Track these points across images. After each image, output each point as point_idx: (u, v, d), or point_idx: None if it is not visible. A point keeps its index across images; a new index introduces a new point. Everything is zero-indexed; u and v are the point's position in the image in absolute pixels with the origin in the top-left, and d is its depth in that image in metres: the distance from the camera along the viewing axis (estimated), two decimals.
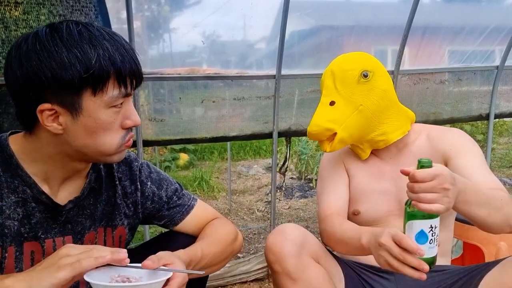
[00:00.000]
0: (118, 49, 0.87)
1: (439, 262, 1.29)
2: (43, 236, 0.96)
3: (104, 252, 0.82)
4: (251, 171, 5.20)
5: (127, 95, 0.90)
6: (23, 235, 0.94)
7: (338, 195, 1.39)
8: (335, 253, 1.34)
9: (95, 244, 1.06)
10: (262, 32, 2.25)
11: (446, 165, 1.24)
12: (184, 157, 5.35)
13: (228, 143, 3.90)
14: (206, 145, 5.86)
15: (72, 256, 0.80)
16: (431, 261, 0.96)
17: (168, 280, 0.87)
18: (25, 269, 0.93)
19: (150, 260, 0.88)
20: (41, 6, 1.70)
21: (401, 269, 0.96)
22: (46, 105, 0.86)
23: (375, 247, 1.04)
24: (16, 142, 0.94)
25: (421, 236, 0.95)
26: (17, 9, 1.69)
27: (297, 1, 2.10)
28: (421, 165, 0.95)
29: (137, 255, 1.17)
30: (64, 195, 0.99)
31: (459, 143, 1.27)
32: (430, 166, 0.94)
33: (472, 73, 2.58)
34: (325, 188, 1.42)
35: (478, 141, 4.65)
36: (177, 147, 5.29)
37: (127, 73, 0.88)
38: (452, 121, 2.70)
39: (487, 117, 2.71)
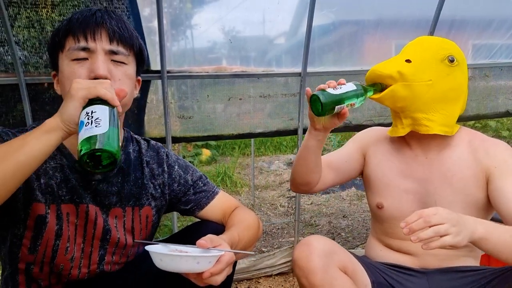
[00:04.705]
0: (83, 14, 1.05)
1: (470, 263, 1.31)
2: (77, 200, 1.08)
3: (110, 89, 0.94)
4: (272, 167, 5.23)
5: (86, 49, 1.03)
6: (61, 197, 1.06)
7: (338, 157, 1.46)
8: (363, 259, 1.34)
9: (124, 222, 1.17)
10: (282, 27, 2.25)
11: (487, 181, 1.24)
12: (206, 153, 5.42)
13: (252, 139, 3.94)
14: (228, 141, 5.91)
15: (83, 87, 0.91)
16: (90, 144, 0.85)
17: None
18: (64, 228, 1.07)
19: (204, 240, 0.96)
20: (76, 8, 1.76)
21: None
22: (54, 72, 1.10)
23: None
24: None
25: (81, 126, 0.88)
26: (53, 11, 1.75)
27: None
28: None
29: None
30: None
31: (504, 161, 1.24)
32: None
33: (499, 69, 2.55)
34: (336, 151, 1.51)
35: (503, 138, 4.58)
36: (199, 142, 5.37)
37: (81, 30, 1.03)
38: (478, 118, 2.67)
39: None
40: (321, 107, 1.12)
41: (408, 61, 1.25)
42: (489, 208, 1.28)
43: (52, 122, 0.89)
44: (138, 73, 1.17)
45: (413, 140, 1.36)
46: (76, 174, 1.08)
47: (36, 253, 1.06)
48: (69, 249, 1.08)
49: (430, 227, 0.97)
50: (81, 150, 0.84)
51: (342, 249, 1.24)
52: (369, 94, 1.24)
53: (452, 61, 1.28)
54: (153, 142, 1.27)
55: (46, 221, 1.04)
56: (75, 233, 1.09)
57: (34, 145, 0.86)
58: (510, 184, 1.19)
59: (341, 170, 1.45)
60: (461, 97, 1.33)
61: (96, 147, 0.83)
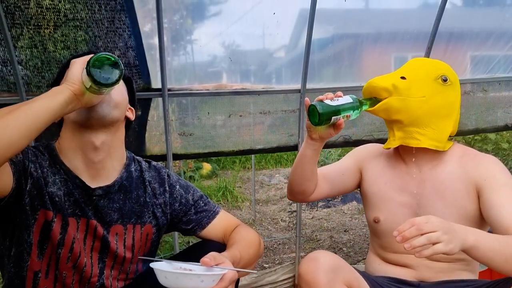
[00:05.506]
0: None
1: (467, 276, 1.33)
2: (79, 214, 1.12)
3: None
4: (273, 181, 5.23)
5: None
6: (64, 209, 1.10)
7: (335, 170, 1.49)
8: (365, 274, 1.35)
9: (124, 239, 1.19)
10: (282, 41, 2.27)
11: (478, 194, 1.27)
12: (207, 167, 5.43)
13: (253, 155, 3.95)
14: None
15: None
16: None
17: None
18: (66, 239, 1.11)
19: (208, 258, 0.99)
20: (78, 29, 1.78)
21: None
22: None
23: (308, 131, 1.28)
24: (58, 140, 1.17)
25: (83, 72, 1.01)
26: (56, 31, 1.78)
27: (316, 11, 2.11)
28: None
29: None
30: (96, 184, 1.15)
31: (493, 175, 1.27)
32: None
33: (497, 84, 2.57)
34: (333, 164, 1.55)
35: (503, 150, 4.59)
36: None
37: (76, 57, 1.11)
38: (477, 132, 2.68)
39: None
40: (318, 117, 1.17)
41: (403, 78, 1.30)
42: (482, 222, 1.30)
43: (57, 87, 0.98)
44: (130, 103, 1.22)
45: (407, 155, 1.40)
46: (78, 189, 1.12)
47: (42, 258, 1.11)
48: (70, 258, 1.12)
49: (422, 235, 0.99)
50: (86, 64, 0.95)
51: (347, 265, 1.25)
52: (365, 107, 1.28)
53: (445, 80, 1.33)
54: (154, 162, 1.30)
55: (51, 228, 1.09)
56: (78, 246, 1.13)
57: (39, 104, 0.93)
58: (499, 197, 1.22)
59: (336, 182, 1.48)
60: (453, 115, 1.36)
61: (99, 55, 0.96)
